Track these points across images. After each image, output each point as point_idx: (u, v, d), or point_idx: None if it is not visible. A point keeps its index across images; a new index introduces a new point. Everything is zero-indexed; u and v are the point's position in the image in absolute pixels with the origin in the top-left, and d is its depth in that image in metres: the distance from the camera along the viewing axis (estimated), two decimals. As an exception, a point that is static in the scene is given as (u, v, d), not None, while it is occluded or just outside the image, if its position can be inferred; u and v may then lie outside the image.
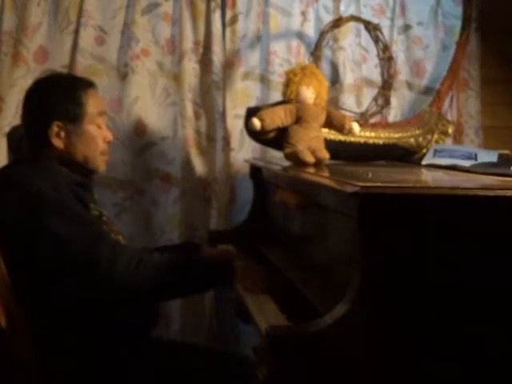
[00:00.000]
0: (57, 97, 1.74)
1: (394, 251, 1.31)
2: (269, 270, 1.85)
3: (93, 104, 1.77)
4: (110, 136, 1.83)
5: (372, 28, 2.69)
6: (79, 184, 1.72)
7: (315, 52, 2.65)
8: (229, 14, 2.72)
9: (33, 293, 1.62)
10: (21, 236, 1.60)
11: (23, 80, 2.52)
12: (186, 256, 1.83)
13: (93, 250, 1.56)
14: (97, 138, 1.78)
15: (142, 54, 2.66)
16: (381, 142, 2.44)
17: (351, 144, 2.38)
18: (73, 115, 1.74)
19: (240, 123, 2.62)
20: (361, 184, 1.35)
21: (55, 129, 1.72)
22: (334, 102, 2.72)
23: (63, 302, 1.62)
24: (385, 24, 2.83)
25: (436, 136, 2.60)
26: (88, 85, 1.79)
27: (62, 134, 1.73)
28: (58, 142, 1.73)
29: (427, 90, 2.91)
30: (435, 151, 2.40)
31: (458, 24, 2.81)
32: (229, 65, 2.72)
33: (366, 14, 2.85)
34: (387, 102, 2.72)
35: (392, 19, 2.87)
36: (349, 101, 2.80)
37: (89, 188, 1.80)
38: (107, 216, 1.85)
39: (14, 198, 1.63)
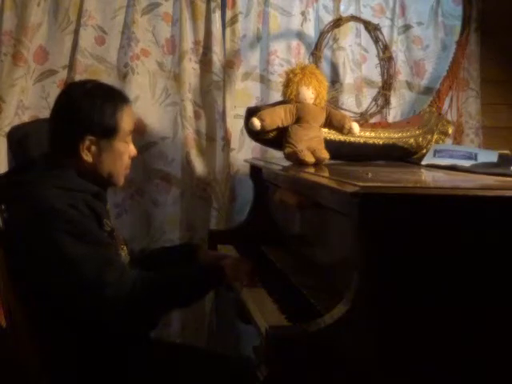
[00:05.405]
0: (94, 109, 1.69)
1: (394, 251, 1.32)
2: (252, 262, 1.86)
3: (126, 121, 1.74)
4: (134, 151, 1.81)
5: (372, 28, 2.69)
6: (95, 195, 1.71)
7: (315, 52, 2.65)
8: (229, 14, 2.72)
9: (36, 298, 1.62)
10: (31, 251, 1.60)
11: (23, 80, 2.52)
12: (178, 271, 1.80)
13: (102, 274, 1.57)
14: (124, 154, 1.76)
15: (141, 54, 2.66)
16: (381, 142, 2.44)
17: (351, 144, 2.38)
18: (108, 131, 1.70)
19: (240, 123, 2.61)
20: (361, 184, 1.35)
21: (87, 143, 1.69)
22: (334, 102, 2.72)
23: (65, 309, 1.62)
24: (385, 24, 2.83)
25: (436, 136, 2.60)
26: (125, 101, 1.76)
27: (93, 148, 1.70)
28: (86, 156, 1.69)
29: (427, 90, 2.91)
30: (435, 151, 2.39)
31: (458, 24, 2.82)
32: (229, 65, 2.72)
33: (366, 14, 2.85)
34: (387, 102, 2.72)
35: (392, 19, 2.87)
36: (349, 101, 2.80)
37: (104, 199, 1.80)
38: (116, 229, 1.84)
39: (26, 213, 1.62)
